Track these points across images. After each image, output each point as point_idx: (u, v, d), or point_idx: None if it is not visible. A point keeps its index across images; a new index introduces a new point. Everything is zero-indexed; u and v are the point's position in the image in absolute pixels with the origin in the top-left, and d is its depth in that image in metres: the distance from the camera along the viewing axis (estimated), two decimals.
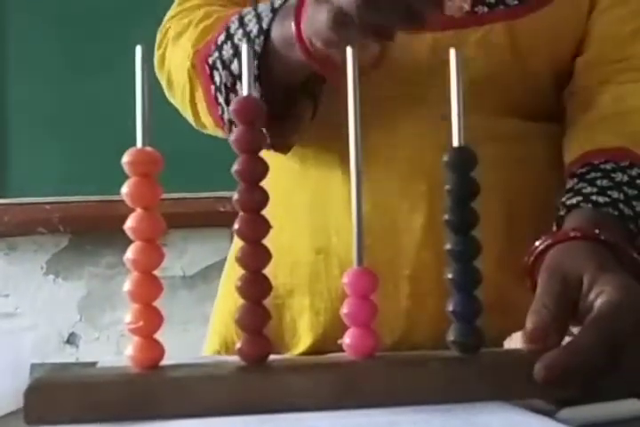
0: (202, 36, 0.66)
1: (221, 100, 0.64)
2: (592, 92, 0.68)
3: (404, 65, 0.69)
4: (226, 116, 0.64)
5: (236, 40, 0.62)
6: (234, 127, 0.61)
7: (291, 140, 0.67)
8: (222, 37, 0.64)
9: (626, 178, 0.61)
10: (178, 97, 0.70)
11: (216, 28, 0.66)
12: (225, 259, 1.62)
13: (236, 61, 0.62)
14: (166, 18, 0.75)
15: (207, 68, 0.64)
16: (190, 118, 0.70)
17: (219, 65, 0.63)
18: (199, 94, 0.66)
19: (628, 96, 0.67)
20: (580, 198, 0.59)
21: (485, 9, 0.68)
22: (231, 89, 0.63)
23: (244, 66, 0.47)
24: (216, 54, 0.64)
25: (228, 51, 0.63)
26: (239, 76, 0.61)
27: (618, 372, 0.44)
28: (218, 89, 0.64)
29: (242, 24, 0.62)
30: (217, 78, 0.64)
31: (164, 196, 0.46)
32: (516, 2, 0.68)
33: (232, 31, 0.63)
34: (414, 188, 0.66)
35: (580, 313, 0.48)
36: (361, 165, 0.47)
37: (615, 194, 0.59)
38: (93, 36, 1.59)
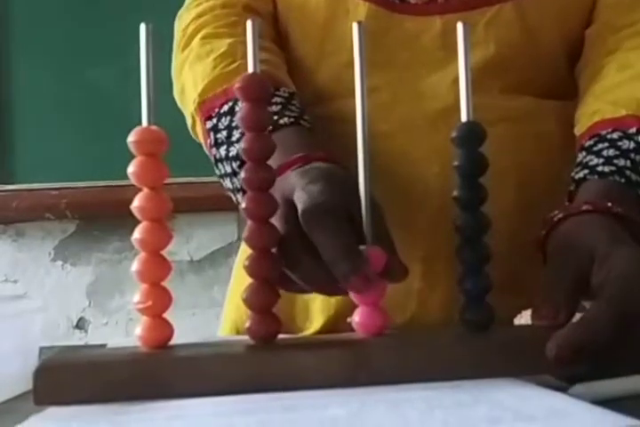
0: (212, 84, 0.65)
1: (215, 152, 0.64)
2: (600, 62, 0.67)
3: (414, 49, 0.68)
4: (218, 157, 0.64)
5: (233, 124, 0.62)
6: (221, 166, 0.62)
7: None
8: (226, 108, 0.63)
9: (632, 144, 0.60)
10: (186, 112, 0.69)
11: (229, 80, 0.64)
12: (231, 243, 1.61)
13: (224, 147, 0.62)
14: (185, 6, 0.73)
15: (205, 127, 0.64)
16: (192, 132, 0.70)
17: (211, 136, 0.64)
18: (199, 129, 0.66)
19: (633, 63, 0.66)
20: (586, 171, 0.59)
21: None
22: (219, 161, 0.63)
23: (249, 43, 0.47)
24: (214, 122, 0.64)
25: (222, 131, 0.63)
26: (226, 158, 0.62)
27: (631, 347, 0.44)
28: (212, 144, 0.64)
29: None
30: (211, 137, 0.64)
31: (171, 180, 0.46)
32: None
33: (237, 109, 0.62)
34: (429, 168, 0.66)
35: (592, 288, 0.47)
36: (368, 152, 0.47)
37: (621, 162, 0.58)
38: (97, 20, 1.59)
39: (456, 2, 0.67)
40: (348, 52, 0.69)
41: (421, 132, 0.66)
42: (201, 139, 0.67)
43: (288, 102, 0.63)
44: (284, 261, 0.47)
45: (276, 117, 0.60)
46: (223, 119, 0.63)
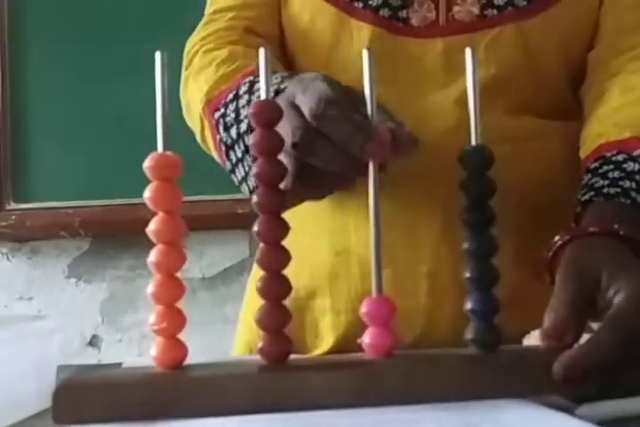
0: (217, 84, 0.68)
1: (224, 149, 0.65)
2: (603, 86, 0.68)
3: (417, 70, 0.70)
4: (233, 159, 0.66)
5: (240, 105, 0.63)
6: (238, 168, 0.64)
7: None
8: (231, 96, 0.65)
9: (637, 166, 0.60)
10: (194, 125, 0.71)
11: (232, 78, 0.67)
12: (243, 260, 1.62)
13: (235, 127, 0.64)
14: (194, 34, 0.76)
15: (214, 120, 0.66)
16: (202, 146, 0.72)
17: (221, 123, 0.65)
18: (207, 133, 0.68)
19: (636, 85, 0.66)
20: (592, 193, 0.59)
21: (495, 11, 0.69)
22: (231, 147, 0.64)
23: (262, 70, 0.48)
24: (222, 111, 0.65)
25: (230, 114, 0.65)
26: (236, 141, 0.63)
27: (637, 367, 0.45)
28: (222, 141, 0.65)
29: (250, 90, 0.64)
30: (222, 131, 0.65)
31: (183, 199, 0.47)
32: (524, 2, 0.69)
33: (240, 93, 0.64)
34: (432, 187, 0.67)
35: (599, 310, 0.48)
36: (377, 173, 0.48)
37: (627, 183, 0.59)
38: (111, 42, 1.61)
39: (457, 24, 0.69)
40: (352, 72, 0.70)
41: (425, 152, 0.67)
42: (210, 141, 0.68)
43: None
44: (302, 155, 0.50)
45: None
46: (230, 105, 0.65)
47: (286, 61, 0.75)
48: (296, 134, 0.50)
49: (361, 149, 0.47)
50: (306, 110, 0.50)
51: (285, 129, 0.49)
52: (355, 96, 0.51)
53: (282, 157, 0.49)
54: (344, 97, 0.51)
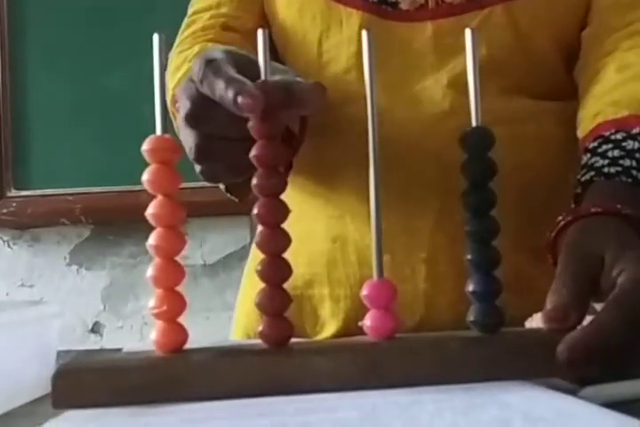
0: (181, 79, 0.68)
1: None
2: (598, 64, 0.68)
3: (407, 54, 0.69)
4: None
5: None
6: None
7: None
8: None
9: (637, 145, 0.60)
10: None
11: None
12: (244, 247, 1.62)
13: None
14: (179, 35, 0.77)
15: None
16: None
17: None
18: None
19: (632, 63, 0.66)
20: (592, 173, 0.59)
21: None
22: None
23: (260, 52, 0.48)
24: None
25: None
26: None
27: None
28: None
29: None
30: None
31: (184, 185, 0.46)
32: None
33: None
34: (427, 172, 0.66)
35: (603, 291, 0.48)
36: (377, 160, 0.48)
37: (627, 162, 0.58)
38: (111, 26, 1.60)
39: (446, 7, 0.68)
40: (344, 58, 0.70)
41: (418, 136, 0.67)
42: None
43: None
44: (198, 125, 0.51)
45: None
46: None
47: (274, 53, 0.75)
48: (186, 105, 0.50)
49: (234, 103, 0.46)
50: (195, 79, 0.50)
51: (182, 102, 0.50)
52: (249, 62, 0.51)
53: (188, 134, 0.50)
54: (227, 59, 0.50)
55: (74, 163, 1.59)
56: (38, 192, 1.58)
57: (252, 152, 0.47)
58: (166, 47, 0.48)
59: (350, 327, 0.67)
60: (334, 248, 0.71)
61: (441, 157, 0.65)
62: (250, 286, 0.79)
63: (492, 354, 0.45)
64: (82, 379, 0.42)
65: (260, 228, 0.47)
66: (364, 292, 0.47)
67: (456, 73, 0.67)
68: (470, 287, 0.47)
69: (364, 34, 0.49)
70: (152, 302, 0.45)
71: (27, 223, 1.60)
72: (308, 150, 0.72)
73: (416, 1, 0.69)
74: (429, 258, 0.67)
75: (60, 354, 0.56)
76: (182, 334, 0.46)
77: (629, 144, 0.60)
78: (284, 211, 0.47)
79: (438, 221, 0.66)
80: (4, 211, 1.57)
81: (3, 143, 1.59)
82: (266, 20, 0.76)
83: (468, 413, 0.37)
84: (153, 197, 0.46)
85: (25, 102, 1.60)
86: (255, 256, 0.79)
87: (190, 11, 0.78)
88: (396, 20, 0.70)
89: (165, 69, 0.47)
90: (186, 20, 0.78)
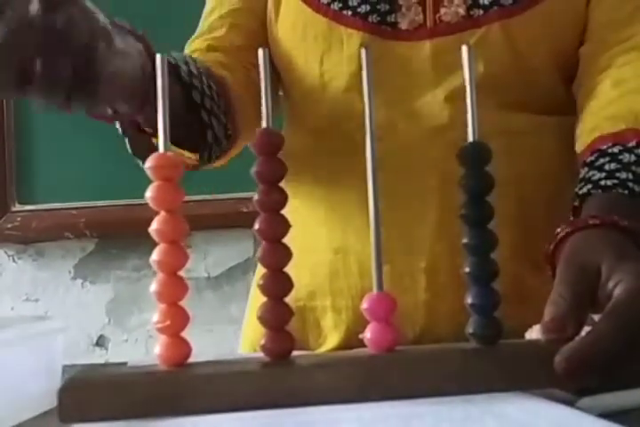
0: None
1: None
2: (595, 80, 0.69)
3: (407, 72, 0.70)
4: None
5: None
6: None
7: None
8: None
9: (633, 158, 0.61)
10: None
11: None
12: (248, 260, 1.62)
13: None
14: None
15: None
16: None
17: None
18: None
19: (627, 78, 0.67)
20: (590, 186, 0.60)
21: (481, 11, 0.69)
22: None
23: (262, 70, 0.49)
24: None
25: None
26: None
27: (638, 359, 0.45)
28: None
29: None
30: None
31: (187, 198, 0.47)
32: (510, 1, 0.69)
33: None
34: (427, 182, 0.67)
35: (600, 302, 0.48)
36: (376, 170, 0.48)
37: (623, 175, 0.59)
38: None
39: (444, 26, 0.70)
40: (344, 77, 0.72)
41: (418, 149, 0.68)
42: None
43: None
44: None
45: None
46: None
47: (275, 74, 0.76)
48: None
49: None
50: None
51: None
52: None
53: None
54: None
55: (78, 177, 1.59)
56: (42, 206, 1.59)
57: (254, 168, 0.47)
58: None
59: (352, 339, 0.68)
60: (336, 259, 0.72)
61: (441, 168, 0.66)
62: (256, 299, 0.79)
63: (491, 366, 0.45)
64: (88, 393, 0.43)
65: (262, 243, 0.48)
66: (365, 305, 0.47)
67: (454, 88, 0.68)
68: (469, 300, 0.48)
69: (363, 51, 0.50)
70: (156, 317, 0.46)
71: (31, 238, 1.60)
72: (310, 165, 0.73)
73: (415, 21, 0.71)
74: (429, 268, 0.67)
75: (65, 369, 0.56)
76: (185, 348, 0.46)
77: (626, 157, 0.60)
78: (284, 226, 0.47)
79: (438, 232, 0.67)
80: (9, 226, 1.58)
81: (7, 158, 1.59)
82: (256, 38, 0.78)
83: (466, 425, 0.37)
84: (157, 211, 0.47)
85: (28, 117, 1.61)
86: (260, 269, 0.80)
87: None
88: (396, 39, 0.71)
89: (167, 90, 0.48)
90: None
